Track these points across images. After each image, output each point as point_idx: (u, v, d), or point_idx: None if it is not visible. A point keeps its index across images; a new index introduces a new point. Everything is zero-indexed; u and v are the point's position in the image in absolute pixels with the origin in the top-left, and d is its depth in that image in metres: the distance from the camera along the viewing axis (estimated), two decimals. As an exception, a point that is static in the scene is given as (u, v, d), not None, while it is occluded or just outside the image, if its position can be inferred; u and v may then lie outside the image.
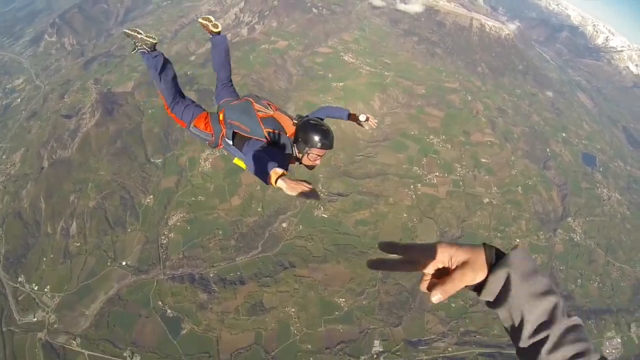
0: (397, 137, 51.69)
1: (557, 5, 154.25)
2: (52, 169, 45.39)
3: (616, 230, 49.76)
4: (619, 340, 40.19)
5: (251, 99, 4.16)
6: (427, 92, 60.65)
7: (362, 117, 4.47)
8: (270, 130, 3.91)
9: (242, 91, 4.74)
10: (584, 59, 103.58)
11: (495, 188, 48.91)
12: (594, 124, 71.11)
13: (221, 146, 4.43)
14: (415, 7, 77.53)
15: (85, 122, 50.28)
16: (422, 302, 37.51)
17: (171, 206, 41.96)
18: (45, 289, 36.43)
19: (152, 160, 45.87)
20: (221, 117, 4.24)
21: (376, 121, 4.56)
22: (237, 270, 38.04)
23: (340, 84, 58.27)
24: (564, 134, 63.64)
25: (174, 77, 4.46)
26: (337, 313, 36.17)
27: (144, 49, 4.33)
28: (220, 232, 40.02)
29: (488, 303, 1.19)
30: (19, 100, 64.27)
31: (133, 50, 4.41)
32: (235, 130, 4.09)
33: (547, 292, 1.08)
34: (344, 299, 36.91)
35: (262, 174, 3.15)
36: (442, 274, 1.23)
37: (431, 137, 52.98)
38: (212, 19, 4.64)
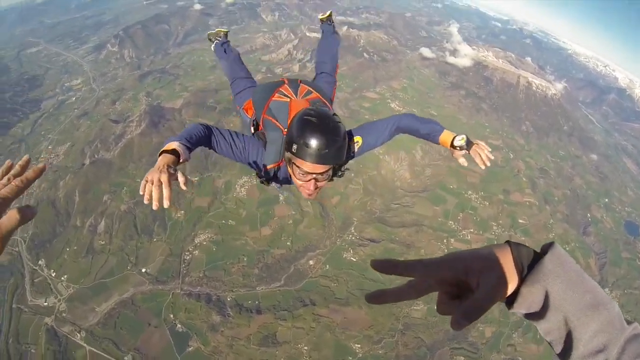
0: (436, 189, 50.85)
1: (605, 67, 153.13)
2: (92, 167, 46.88)
3: (656, 307, 46.02)
4: None
5: (286, 80, 3.34)
6: (469, 147, 59.59)
7: (459, 141, 2.78)
8: (254, 118, 3.19)
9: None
10: (631, 123, 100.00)
11: None
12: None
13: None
14: (464, 61, 78.44)
15: (131, 130, 51.93)
16: (441, 360, 35.76)
17: (200, 225, 41.95)
18: (62, 278, 36.77)
19: (189, 177, 45.83)
20: None
21: (489, 157, 2.74)
22: (256, 299, 37.24)
23: None
24: (606, 200, 60.69)
25: (237, 59, 4.42)
26: (350, 358, 34.67)
27: (218, 39, 4.66)
28: (245, 259, 39.52)
29: (525, 314, 0.93)
30: (74, 99, 67.84)
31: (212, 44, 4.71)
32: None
33: (600, 302, 0.87)
34: (359, 345, 35.40)
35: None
36: (463, 290, 0.94)
37: (470, 192, 51.78)
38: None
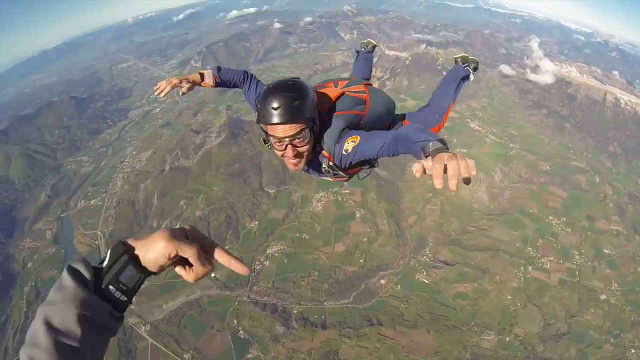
0: (515, 213, 48.11)
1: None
2: (171, 173, 50.29)
3: None
4: None
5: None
6: (551, 169, 56.11)
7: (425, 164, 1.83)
8: None
9: None
10: None
11: (616, 285, 42.21)
12: None
13: None
14: (545, 78, 74.12)
15: (211, 140, 55.21)
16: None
17: (274, 236, 43.13)
18: None
19: (265, 189, 48.26)
20: None
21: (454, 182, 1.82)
22: (323, 313, 37.25)
23: (464, 151, 56.63)
24: None
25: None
26: None
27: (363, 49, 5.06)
28: (315, 273, 39.90)
29: None
30: (158, 109, 74.08)
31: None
32: None
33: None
34: None
35: None
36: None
37: (551, 217, 48.22)
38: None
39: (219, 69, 3.29)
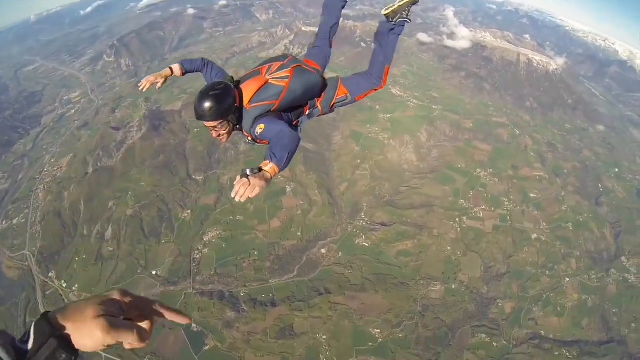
0: (444, 169, 50.21)
1: (604, 41, 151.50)
2: (95, 175, 46.75)
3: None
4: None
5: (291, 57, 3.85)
6: (474, 126, 59.27)
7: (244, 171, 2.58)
8: None
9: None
10: (635, 94, 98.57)
11: (545, 224, 46.40)
12: (648, 158, 66.47)
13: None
14: (462, 44, 77.83)
15: (132, 135, 51.78)
16: (462, 339, 35.46)
17: (208, 223, 41.67)
18: (74, 287, 36.79)
19: (193, 176, 46.37)
20: None
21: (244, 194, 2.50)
22: (270, 292, 36.90)
23: (388, 116, 58.29)
24: (616, 170, 59.73)
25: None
26: (370, 344, 34.20)
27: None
28: (255, 253, 39.15)
29: None
30: (73, 111, 68.02)
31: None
32: None
33: None
34: (379, 330, 35.01)
35: None
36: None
37: (478, 170, 51.17)
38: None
39: (183, 62, 3.98)
